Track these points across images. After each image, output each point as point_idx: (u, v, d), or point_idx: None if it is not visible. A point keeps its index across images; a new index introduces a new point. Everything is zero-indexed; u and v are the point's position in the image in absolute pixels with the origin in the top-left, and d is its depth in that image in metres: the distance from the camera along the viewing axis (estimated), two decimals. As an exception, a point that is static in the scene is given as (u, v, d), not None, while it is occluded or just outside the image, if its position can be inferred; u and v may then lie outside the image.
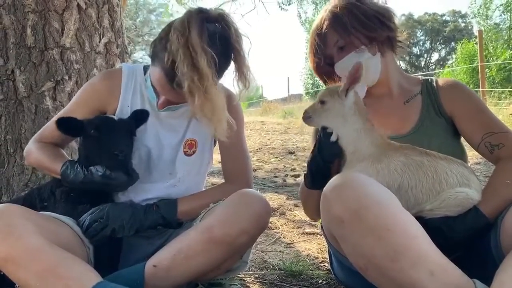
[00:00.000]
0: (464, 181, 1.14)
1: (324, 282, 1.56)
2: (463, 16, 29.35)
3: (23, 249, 1.07)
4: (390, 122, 1.37)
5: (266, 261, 1.80)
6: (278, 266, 1.71)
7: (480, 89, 7.67)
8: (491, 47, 14.15)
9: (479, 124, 1.29)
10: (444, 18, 31.00)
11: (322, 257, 1.83)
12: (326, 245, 1.61)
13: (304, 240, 2.10)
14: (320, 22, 1.40)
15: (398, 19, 1.42)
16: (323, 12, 1.41)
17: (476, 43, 11.17)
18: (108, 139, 1.31)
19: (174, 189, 1.45)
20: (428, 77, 1.47)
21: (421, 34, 31.23)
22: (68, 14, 2.23)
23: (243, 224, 1.22)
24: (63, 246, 1.13)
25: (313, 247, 1.98)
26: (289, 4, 9.97)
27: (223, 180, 1.55)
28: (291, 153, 5.17)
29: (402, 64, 28.43)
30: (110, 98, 1.46)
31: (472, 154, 3.09)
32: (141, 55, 20.21)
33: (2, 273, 1.12)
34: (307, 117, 1.29)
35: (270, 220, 2.05)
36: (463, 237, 1.10)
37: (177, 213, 1.37)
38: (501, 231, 1.06)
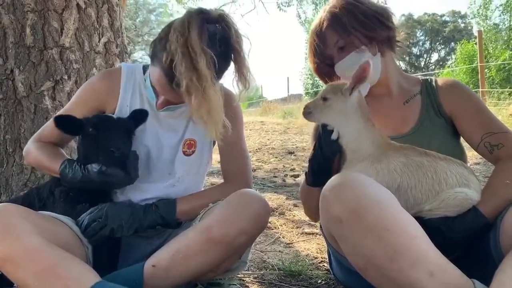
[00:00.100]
0: (463, 181, 1.14)
1: (323, 282, 1.56)
2: (463, 17, 29.40)
3: (22, 249, 1.07)
4: (389, 122, 1.37)
5: (265, 261, 1.80)
6: (277, 266, 1.71)
7: (480, 90, 7.67)
8: (491, 48, 14.17)
9: (479, 124, 1.29)
10: (443, 18, 31.04)
11: (321, 257, 1.83)
12: (325, 245, 1.61)
13: (303, 240, 2.10)
14: (319, 23, 1.39)
15: (398, 19, 1.42)
16: (322, 12, 1.41)
17: (475, 44, 11.17)
18: (105, 137, 1.31)
19: (173, 189, 1.45)
20: (427, 77, 1.47)
21: (420, 34, 31.26)
22: (68, 13, 2.22)
23: (242, 224, 1.22)
24: (62, 245, 1.13)
25: (312, 247, 1.98)
26: (288, 6, 9.98)
27: (222, 180, 1.55)
28: (290, 153, 5.17)
29: (402, 65, 28.47)
30: (109, 97, 1.46)
31: (471, 155, 3.09)
32: (141, 55, 20.21)
33: (0, 273, 1.12)
34: (308, 113, 1.28)
35: (270, 220, 2.05)
36: (462, 237, 1.10)
37: (176, 213, 1.37)
38: (500, 231, 1.06)
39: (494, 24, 16.08)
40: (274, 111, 11.99)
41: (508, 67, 12.05)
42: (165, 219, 1.36)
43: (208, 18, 1.25)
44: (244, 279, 1.60)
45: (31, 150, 1.46)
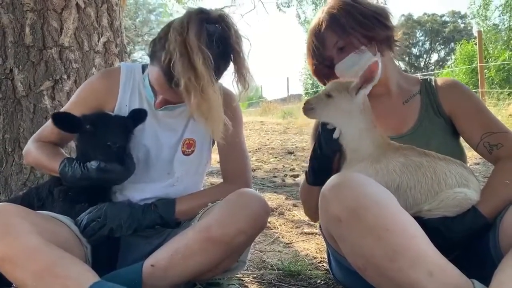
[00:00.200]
0: (463, 181, 1.14)
1: (322, 282, 1.56)
2: (463, 17, 29.41)
3: (21, 249, 1.07)
4: (388, 122, 1.37)
5: (264, 261, 1.79)
6: (277, 266, 1.71)
7: (479, 90, 7.67)
8: (491, 48, 14.17)
9: (478, 124, 1.28)
10: (443, 18, 31.06)
11: (321, 257, 1.83)
12: (325, 245, 1.61)
13: (303, 240, 2.10)
14: (317, 24, 1.38)
15: (398, 19, 1.42)
16: (320, 13, 1.40)
17: (475, 44, 11.18)
18: (102, 133, 1.31)
19: (172, 188, 1.45)
20: (427, 77, 1.47)
21: (420, 34, 31.29)
22: (67, 13, 2.22)
23: (241, 224, 1.21)
24: (60, 245, 1.13)
25: (311, 247, 1.98)
26: (288, 7, 9.96)
27: (222, 180, 1.55)
28: (290, 153, 5.17)
29: (402, 65, 28.47)
30: (109, 97, 1.46)
31: (471, 155, 3.09)
32: (141, 55, 20.22)
33: (-1, 272, 1.12)
34: (309, 109, 1.26)
35: (269, 220, 2.05)
36: (461, 237, 1.10)
37: (175, 213, 1.37)
38: (499, 231, 1.06)
39: (494, 24, 16.10)
40: (274, 111, 12.00)
41: (508, 68, 12.05)
42: (164, 218, 1.35)
43: (208, 18, 1.25)
44: (243, 279, 1.60)
45: (31, 149, 1.46)
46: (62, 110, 1.50)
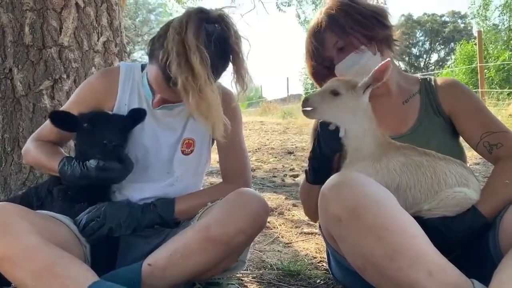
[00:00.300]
0: (462, 181, 1.14)
1: (322, 282, 1.56)
2: (463, 17, 29.45)
3: (20, 248, 1.07)
4: (388, 122, 1.36)
5: (264, 260, 1.79)
6: (276, 266, 1.71)
7: (479, 90, 7.67)
8: (490, 48, 14.18)
9: (478, 123, 1.28)
10: (443, 18, 31.08)
11: (320, 257, 1.83)
12: (324, 245, 1.61)
13: (302, 240, 2.09)
14: (316, 25, 1.38)
15: (398, 19, 1.42)
16: (318, 14, 1.39)
17: (475, 44, 11.19)
18: (99, 131, 1.31)
19: (171, 188, 1.45)
20: (426, 77, 1.47)
21: (420, 34, 31.31)
22: (67, 12, 2.22)
23: (240, 224, 1.21)
24: (60, 245, 1.13)
25: (311, 247, 1.98)
26: (288, 6, 9.97)
27: (221, 180, 1.55)
28: (290, 153, 5.17)
29: (402, 65, 28.48)
30: (108, 96, 1.45)
31: (471, 155, 3.09)
32: (140, 55, 20.24)
33: (-2, 272, 1.11)
34: (310, 109, 1.21)
35: (268, 219, 2.05)
36: (461, 237, 1.10)
37: (174, 212, 1.37)
38: (499, 231, 1.06)
39: (494, 24, 16.12)
40: (274, 111, 12.00)
41: (508, 68, 12.06)
42: (163, 218, 1.35)
43: (207, 18, 1.25)
44: (243, 278, 1.60)
45: (30, 149, 1.46)
46: (61, 109, 1.51)
